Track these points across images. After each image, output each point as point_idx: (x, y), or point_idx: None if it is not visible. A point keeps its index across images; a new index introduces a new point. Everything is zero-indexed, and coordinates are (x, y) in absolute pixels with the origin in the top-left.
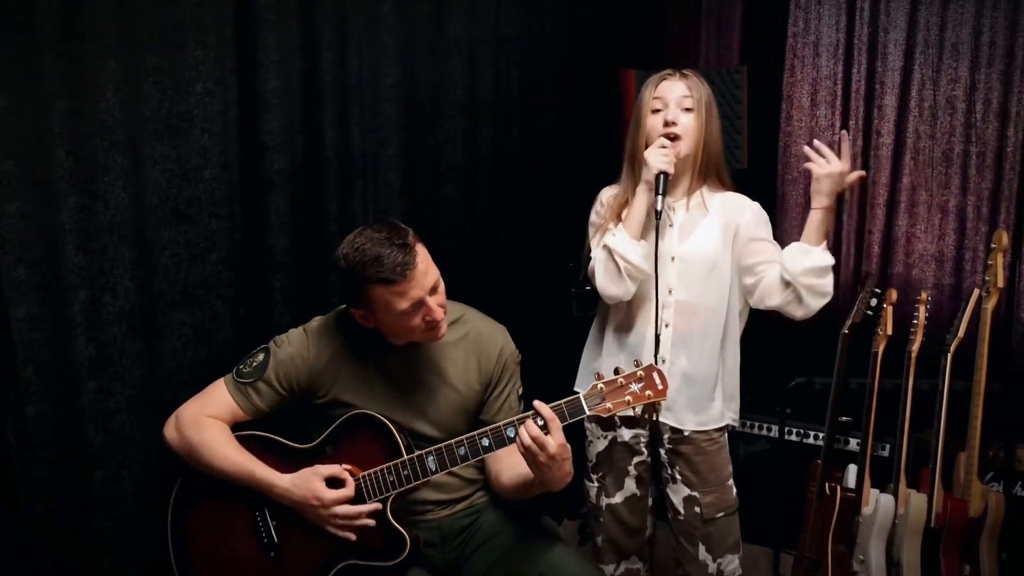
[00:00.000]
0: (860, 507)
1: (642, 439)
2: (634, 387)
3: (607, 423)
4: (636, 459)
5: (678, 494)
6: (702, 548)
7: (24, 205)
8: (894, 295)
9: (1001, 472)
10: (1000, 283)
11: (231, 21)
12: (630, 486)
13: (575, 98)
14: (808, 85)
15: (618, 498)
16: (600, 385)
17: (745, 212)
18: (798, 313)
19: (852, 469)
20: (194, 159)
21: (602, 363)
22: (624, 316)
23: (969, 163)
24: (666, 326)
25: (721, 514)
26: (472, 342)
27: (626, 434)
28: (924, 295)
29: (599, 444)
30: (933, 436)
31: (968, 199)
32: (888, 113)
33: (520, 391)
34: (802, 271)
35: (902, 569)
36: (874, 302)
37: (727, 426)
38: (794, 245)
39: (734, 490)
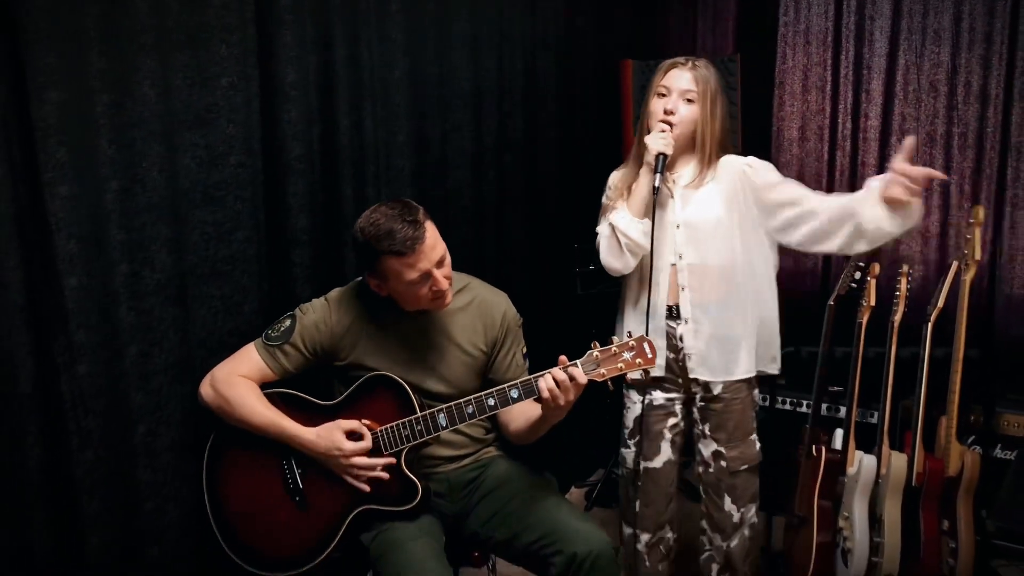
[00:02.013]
0: (845, 467)
1: (677, 402)
2: (626, 355)
3: (642, 387)
4: (671, 421)
5: (708, 448)
6: (727, 499)
7: (74, 187)
8: (877, 268)
9: (982, 435)
10: (978, 256)
11: (252, 21)
12: (666, 450)
13: (576, 87)
14: (799, 72)
15: (657, 462)
16: (595, 353)
17: (743, 168)
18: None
19: (839, 433)
20: (221, 147)
21: (625, 332)
22: (641, 287)
23: (952, 144)
24: (682, 289)
25: (745, 467)
26: (477, 308)
27: (660, 397)
28: (905, 269)
29: (635, 409)
30: (914, 401)
31: (951, 178)
32: (875, 97)
33: (524, 351)
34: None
35: (884, 525)
36: (858, 275)
37: (754, 378)
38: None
39: (757, 445)
